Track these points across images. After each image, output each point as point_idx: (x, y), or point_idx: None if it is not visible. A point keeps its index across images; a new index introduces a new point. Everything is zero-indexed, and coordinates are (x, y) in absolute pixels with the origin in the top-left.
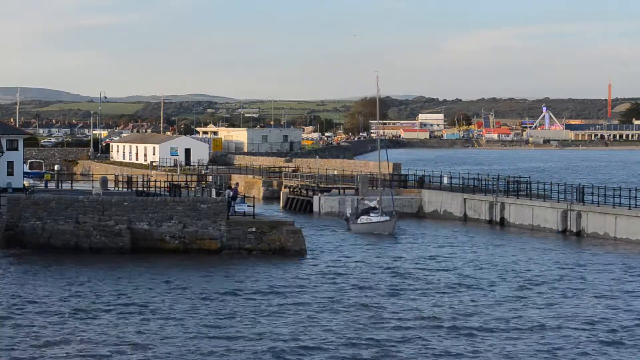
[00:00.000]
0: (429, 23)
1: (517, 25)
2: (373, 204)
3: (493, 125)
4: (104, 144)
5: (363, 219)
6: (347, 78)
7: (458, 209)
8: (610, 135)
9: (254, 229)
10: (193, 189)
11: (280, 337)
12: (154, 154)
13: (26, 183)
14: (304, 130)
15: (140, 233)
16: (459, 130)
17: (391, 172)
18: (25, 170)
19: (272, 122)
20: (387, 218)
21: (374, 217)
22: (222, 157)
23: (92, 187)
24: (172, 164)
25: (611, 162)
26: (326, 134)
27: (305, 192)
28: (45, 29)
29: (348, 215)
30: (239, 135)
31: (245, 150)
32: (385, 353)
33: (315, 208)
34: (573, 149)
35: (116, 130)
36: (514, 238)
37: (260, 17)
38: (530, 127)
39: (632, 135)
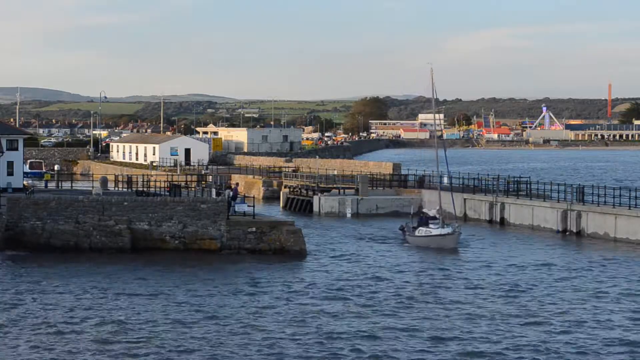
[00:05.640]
0: (429, 23)
1: (517, 25)
2: (432, 213)
3: (493, 125)
4: (104, 144)
5: (422, 230)
6: (347, 78)
7: (458, 209)
8: (610, 135)
9: (254, 229)
10: (193, 189)
11: (279, 337)
12: (154, 154)
13: (26, 183)
14: (304, 130)
15: (140, 233)
16: (459, 130)
17: (392, 172)
18: (25, 170)
19: (272, 122)
20: (450, 230)
21: (434, 229)
22: (222, 157)
23: (92, 187)
24: (172, 164)
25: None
26: (326, 134)
27: (305, 192)
28: (45, 29)
29: (404, 225)
30: (239, 135)
31: (245, 150)
32: (386, 352)
33: (315, 208)
34: (573, 149)
35: (116, 130)
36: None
37: (260, 17)
38: (530, 127)
39: (632, 135)
